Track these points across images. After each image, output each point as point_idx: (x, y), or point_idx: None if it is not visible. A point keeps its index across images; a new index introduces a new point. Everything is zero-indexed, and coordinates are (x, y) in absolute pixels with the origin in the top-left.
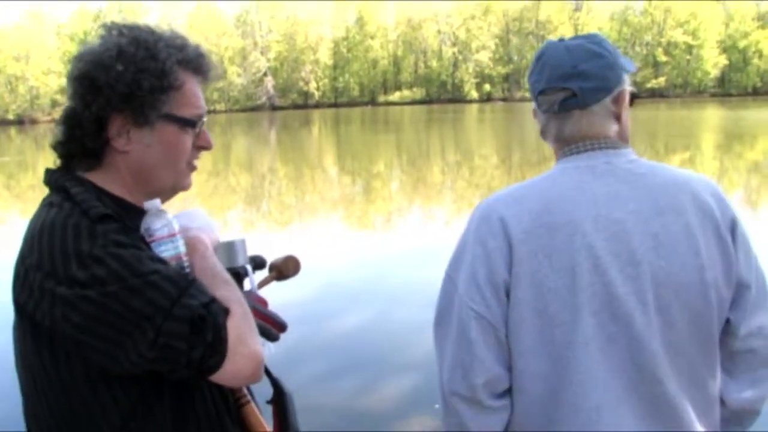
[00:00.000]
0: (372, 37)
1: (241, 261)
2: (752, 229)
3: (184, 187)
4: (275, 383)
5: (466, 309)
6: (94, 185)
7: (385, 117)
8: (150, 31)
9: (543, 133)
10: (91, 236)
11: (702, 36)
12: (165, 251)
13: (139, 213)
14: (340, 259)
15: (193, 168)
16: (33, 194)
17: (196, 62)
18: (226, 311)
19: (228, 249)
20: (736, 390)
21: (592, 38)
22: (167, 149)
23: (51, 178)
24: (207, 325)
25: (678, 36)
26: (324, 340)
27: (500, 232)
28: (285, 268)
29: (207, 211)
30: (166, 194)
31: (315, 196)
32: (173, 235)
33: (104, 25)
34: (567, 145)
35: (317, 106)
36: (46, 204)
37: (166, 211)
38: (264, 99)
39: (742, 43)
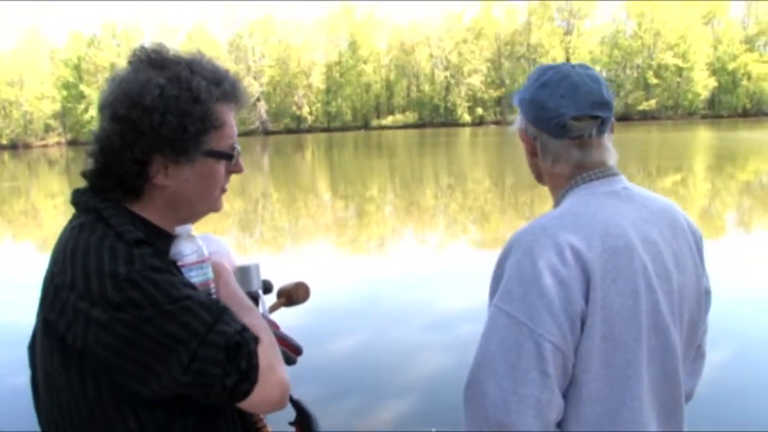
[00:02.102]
0: (365, 62)
1: (255, 286)
2: (743, 245)
3: (217, 209)
4: (297, 405)
5: (543, 341)
6: (125, 208)
7: (378, 141)
8: (186, 65)
9: (556, 159)
10: (128, 260)
11: (692, 58)
12: (194, 277)
13: (168, 238)
14: (333, 283)
15: (224, 191)
16: (25, 220)
17: (232, 94)
18: (256, 339)
19: (243, 273)
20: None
21: (594, 69)
22: (205, 182)
23: (81, 199)
24: (242, 353)
25: (668, 59)
26: (319, 363)
27: (572, 259)
28: (295, 294)
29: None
30: (199, 216)
31: (308, 220)
32: (203, 261)
33: (136, 53)
34: (584, 171)
35: (310, 130)
36: (77, 225)
37: (196, 237)
38: (257, 124)
39: (730, 66)
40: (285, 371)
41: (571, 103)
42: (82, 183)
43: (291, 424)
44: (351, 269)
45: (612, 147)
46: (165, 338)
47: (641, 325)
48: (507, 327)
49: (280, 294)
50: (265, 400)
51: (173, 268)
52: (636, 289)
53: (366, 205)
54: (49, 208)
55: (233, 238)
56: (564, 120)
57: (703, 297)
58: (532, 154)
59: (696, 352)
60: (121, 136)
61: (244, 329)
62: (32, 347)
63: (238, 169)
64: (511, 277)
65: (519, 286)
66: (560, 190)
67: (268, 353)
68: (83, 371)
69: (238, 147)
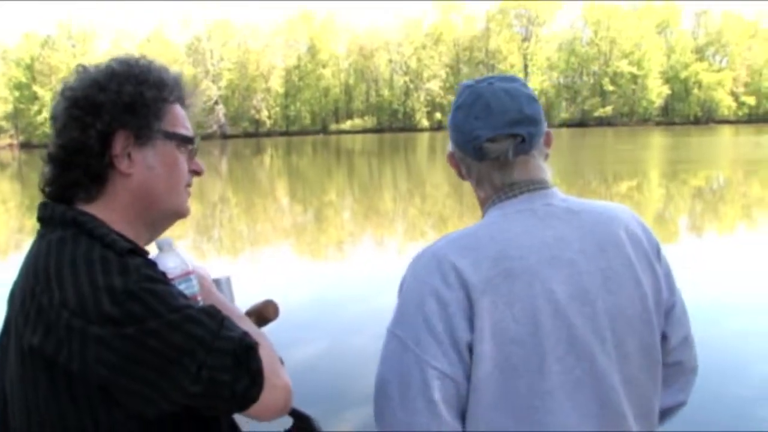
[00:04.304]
0: (324, 66)
1: (227, 299)
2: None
3: (185, 211)
4: (293, 411)
5: (427, 368)
6: (102, 221)
7: (336, 145)
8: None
9: (479, 182)
10: (123, 271)
11: (646, 66)
12: (183, 290)
13: (143, 252)
14: (291, 288)
15: (189, 187)
16: None
17: (179, 94)
18: (257, 344)
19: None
20: (667, 398)
21: (518, 80)
22: (168, 170)
23: (53, 212)
24: (248, 357)
25: (623, 66)
26: None
27: (456, 282)
28: (266, 312)
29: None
30: (168, 221)
31: (267, 224)
32: (189, 273)
33: (79, 66)
34: (503, 192)
35: (268, 134)
36: (56, 239)
37: (178, 249)
38: (215, 127)
39: (683, 74)
40: (286, 374)
41: (484, 125)
42: (34, 185)
43: (287, 431)
44: (309, 274)
45: (542, 163)
46: (171, 350)
47: (545, 354)
48: (397, 352)
49: (249, 314)
50: (272, 406)
51: (166, 278)
52: (535, 314)
53: (324, 209)
54: (0, 213)
55: (190, 241)
56: (479, 143)
57: (653, 315)
58: (461, 176)
59: (673, 369)
60: (79, 119)
61: (246, 334)
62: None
63: (197, 168)
64: (401, 301)
65: (406, 311)
66: (483, 208)
67: (270, 357)
68: (75, 398)
69: (198, 142)
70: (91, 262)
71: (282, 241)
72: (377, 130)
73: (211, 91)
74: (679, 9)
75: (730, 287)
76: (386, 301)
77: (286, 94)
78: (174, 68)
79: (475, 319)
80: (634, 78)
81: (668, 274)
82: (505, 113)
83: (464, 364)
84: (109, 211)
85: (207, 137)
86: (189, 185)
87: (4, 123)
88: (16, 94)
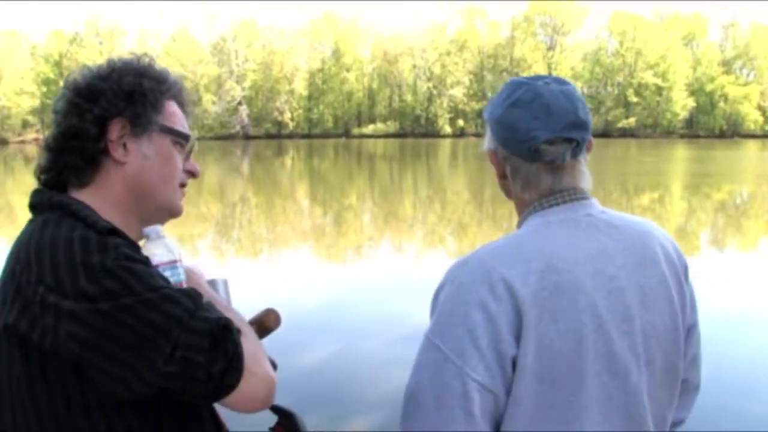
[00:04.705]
0: (348, 70)
1: None
2: (719, 263)
3: (178, 209)
4: (276, 408)
5: (468, 380)
6: (89, 207)
7: (358, 149)
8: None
9: (525, 184)
10: (101, 249)
11: (671, 78)
12: (168, 277)
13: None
14: (309, 291)
15: (184, 187)
16: None
17: (178, 94)
18: (238, 330)
19: (211, 288)
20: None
21: (571, 84)
22: (163, 162)
23: (42, 197)
24: (226, 339)
25: (648, 78)
26: (289, 374)
27: (505, 294)
28: (267, 321)
29: (176, 238)
30: (161, 216)
31: (286, 226)
32: (174, 261)
33: (84, 66)
34: (550, 197)
35: (291, 136)
36: (39, 221)
37: (166, 238)
38: (238, 128)
39: (708, 87)
40: (270, 367)
41: (543, 126)
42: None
43: (272, 429)
44: (326, 277)
45: (586, 170)
46: (146, 328)
47: (585, 369)
48: (436, 361)
49: (249, 324)
50: (251, 397)
51: (148, 261)
52: (579, 329)
53: (344, 213)
54: (23, 205)
55: (210, 241)
56: (536, 144)
57: (681, 334)
58: (502, 176)
59: (681, 387)
60: (77, 105)
61: (227, 318)
62: None
63: (193, 169)
64: (442, 310)
65: (449, 321)
66: (522, 213)
67: (252, 345)
68: (48, 378)
69: (194, 142)
70: (71, 240)
71: (301, 243)
72: (399, 135)
73: (235, 91)
74: (706, 21)
75: (752, 302)
76: (402, 307)
77: (310, 97)
78: (199, 66)
79: (523, 333)
80: (658, 90)
81: (693, 294)
82: (564, 116)
83: (506, 379)
84: (100, 199)
85: (229, 137)
86: (184, 185)
87: (30, 117)
88: (44, 89)
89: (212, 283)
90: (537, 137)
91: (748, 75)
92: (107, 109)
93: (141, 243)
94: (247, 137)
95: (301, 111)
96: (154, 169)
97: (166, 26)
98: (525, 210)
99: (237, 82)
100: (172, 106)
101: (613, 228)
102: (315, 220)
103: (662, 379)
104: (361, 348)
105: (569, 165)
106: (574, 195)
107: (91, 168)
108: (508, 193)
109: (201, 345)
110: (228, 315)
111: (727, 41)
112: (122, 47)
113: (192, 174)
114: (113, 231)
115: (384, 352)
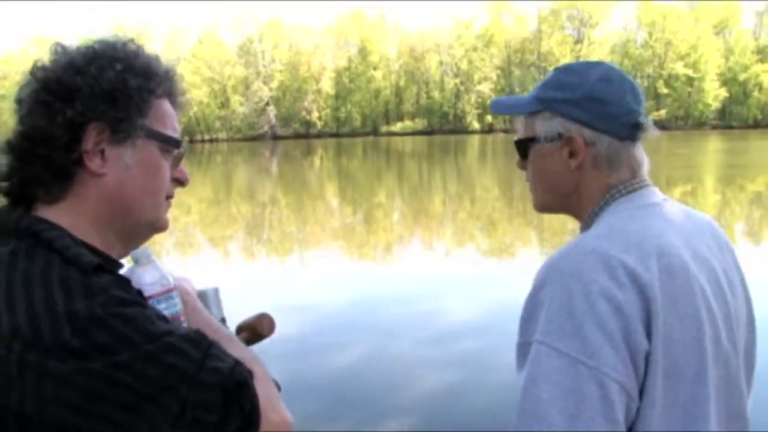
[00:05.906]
0: (374, 68)
1: (214, 313)
2: (755, 256)
3: (163, 225)
4: None
5: (607, 381)
6: (64, 229)
7: (387, 147)
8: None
9: (616, 164)
10: (87, 293)
11: (702, 69)
12: (163, 310)
13: (114, 265)
14: (339, 290)
15: (170, 199)
16: None
17: (169, 88)
18: (250, 373)
19: (200, 300)
20: None
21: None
22: (148, 174)
23: (7, 219)
24: (242, 394)
25: (679, 68)
26: (317, 376)
27: (628, 282)
28: (260, 327)
29: (208, 240)
30: (143, 234)
31: (316, 226)
32: (170, 291)
33: (58, 44)
34: (628, 180)
35: (319, 135)
36: (6, 253)
37: (157, 262)
38: (266, 128)
39: (742, 76)
40: (284, 407)
41: (635, 102)
42: None
43: None
44: (356, 276)
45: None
46: (146, 387)
47: (706, 357)
48: (560, 369)
49: (241, 329)
50: None
51: (141, 298)
52: (697, 314)
53: (374, 211)
54: None
55: (240, 242)
56: (636, 118)
57: (754, 320)
58: (578, 167)
59: None
60: (47, 104)
61: (237, 363)
62: None
63: (182, 177)
64: (557, 307)
65: (570, 318)
66: (592, 206)
67: (266, 388)
68: None
69: (185, 147)
70: (48, 282)
71: (331, 243)
72: (427, 132)
73: (262, 92)
74: (739, 7)
75: None
76: (431, 306)
77: (337, 96)
78: (227, 68)
79: (652, 323)
80: (689, 80)
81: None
82: (642, 97)
83: (639, 376)
84: (75, 216)
85: (257, 138)
86: (170, 196)
87: None
88: None
89: (202, 295)
90: (636, 111)
91: None
92: (82, 113)
93: (126, 261)
94: (275, 137)
95: (328, 110)
96: (137, 182)
97: (193, 28)
98: (595, 200)
99: (264, 82)
100: (163, 105)
101: (686, 214)
102: (345, 219)
103: (746, 371)
104: (391, 348)
105: (638, 145)
106: (646, 181)
107: (59, 182)
108: (570, 188)
109: (213, 402)
110: (234, 348)
111: (761, 28)
112: (149, 50)
113: (180, 183)
114: (100, 267)
115: (415, 352)
